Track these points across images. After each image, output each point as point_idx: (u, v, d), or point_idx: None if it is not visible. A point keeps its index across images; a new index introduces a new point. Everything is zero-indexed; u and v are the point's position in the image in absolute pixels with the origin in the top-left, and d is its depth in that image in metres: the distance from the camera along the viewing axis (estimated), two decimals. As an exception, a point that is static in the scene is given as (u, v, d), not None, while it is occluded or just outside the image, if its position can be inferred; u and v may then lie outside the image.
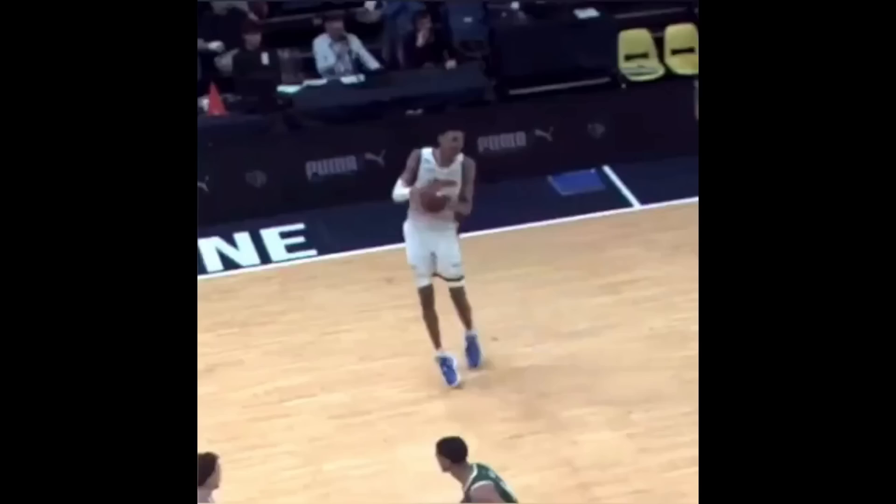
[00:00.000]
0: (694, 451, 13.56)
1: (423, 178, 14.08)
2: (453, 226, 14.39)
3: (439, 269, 14.38)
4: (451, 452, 11.92)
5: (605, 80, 20.95)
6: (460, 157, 14.18)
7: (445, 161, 14.06)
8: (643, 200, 19.23)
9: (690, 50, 21.86)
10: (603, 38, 20.98)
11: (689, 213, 18.49)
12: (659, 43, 21.85)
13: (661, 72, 21.67)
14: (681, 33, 21.92)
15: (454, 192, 14.07)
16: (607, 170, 20.03)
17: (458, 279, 14.51)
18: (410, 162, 14.21)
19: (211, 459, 11.05)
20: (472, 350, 15.12)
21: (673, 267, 16.53)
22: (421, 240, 14.36)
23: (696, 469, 13.40)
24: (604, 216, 18.17)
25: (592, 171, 19.90)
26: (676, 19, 22.13)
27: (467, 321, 14.93)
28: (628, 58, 21.69)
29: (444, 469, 11.81)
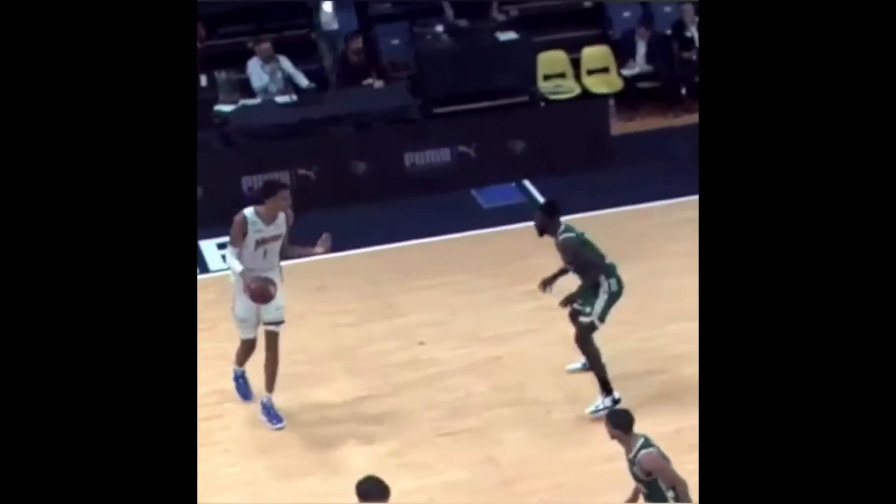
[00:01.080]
0: (610, 449, 13.73)
1: (252, 238, 13.79)
2: (280, 269, 14.24)
3: (262, 313, 14.11)
4: (621, 423, 11.96)
5: (525, 98, 21.08)
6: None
7: (271, 219, 13.82)
8: (561, 211, 19.19)
9: (605, 70, 22.19)
10: (522, 59, 21.13)
11: (604, 224, 18.66)
12: (575, 63, 22.19)
13: (577, 91, 21.95)
14: (596, 54, 22.27)
15: (278, 245, 13.96)
16: (527, 183, 20.18)
17: (279, 323, 14.20)
18: (236, 229, 13.80)
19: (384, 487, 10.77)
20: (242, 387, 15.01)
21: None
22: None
23: (611, 465, 13.59)
24: (524, 227, 18.15)
25: (513, 184, 20.05)
26: (592, 41, 22.55)
27: (271, 379, 14.40)
28: (546, 77, 21.99)
29: (612, 437, 11.92)
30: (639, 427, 13.91)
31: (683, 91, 21.83)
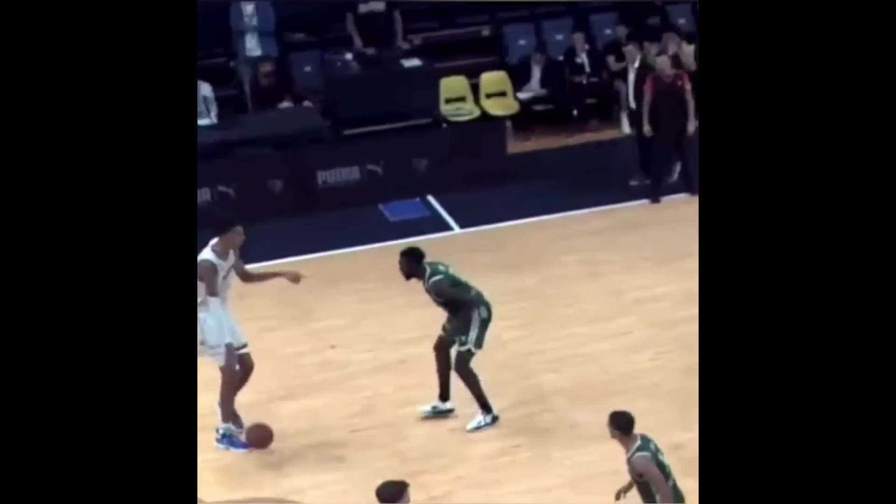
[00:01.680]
0: (507, 443, 13.83)
1: (220, 277, 13.62)
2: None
3: (239, 336, 13.95)
4: (622, 425, 11.82)
5: (428, 120, 21.21)
6: None
7: (225, 254, 13.60)
8: (462, 225, 19.54)
9: (502, 94, 22.34)
10: (425, 84, 21.25)
11: (502, 236, 18.82)
12: (475, 88, 22.33)
13: (476, 113, 22.09)
14: (493, 79, 22.44)
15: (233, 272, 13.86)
16: (430, 198, 20.31)
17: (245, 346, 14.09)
18: (211, 277, 13.39)
19: (402, 486, 10.71)
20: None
21: (489, 282, 16.72)
22: (225, 319, 13.77)
23: (510, 458, 13.67)
24: (428, 238, 18.33)
25: (417, 199, 20.18)
26: (490, 67, 22.73)
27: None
28: (448, 101, 22.10)
29: (613, 436, 11.82)
30: (535, 421, 14.12)
31: (574, 113, 21.99)
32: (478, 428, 14.06)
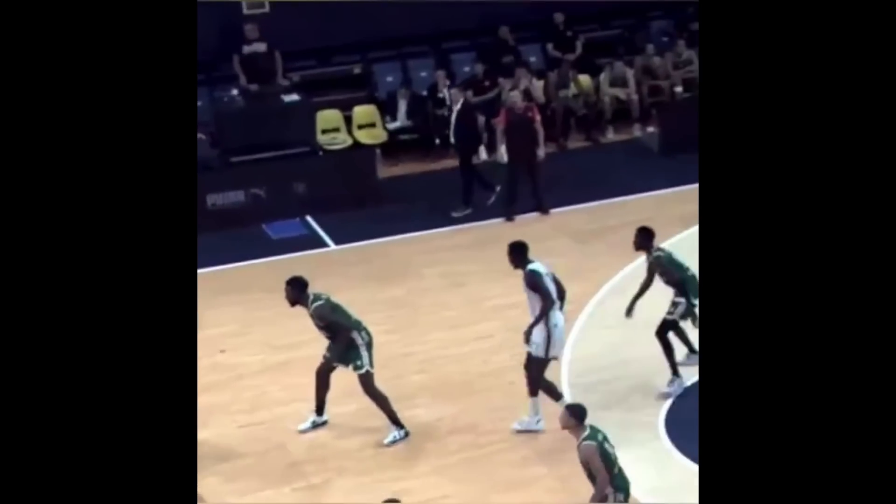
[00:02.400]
0: (381, 436, 14.07)
1: None
2: None
3: None
4: (576, 414, 11.80)
5: (306, 149, 21.37)
6: None
7: None
8: (337, 242, 19.76)
9: (372, 125, 22.58)
10: (303, 116, 21.51)
11: (373, 252, 19.04)
12: (348, 119, 22.51)
13: (349, 142, 22.34)
14: (364, 112, 22.71)
15: None
16: (309, 218, 20.49)
17: None
18: None
19: None
20: None
21: (362, 292, 17.01)
22: None
23: (384, 449, 13.89)
24: (308, 254, 18.59)
25: (297, 219, 20.39)
26: (361, 101, 22.94)
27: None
28: (324, 131, 22.34)
29: (566, 426, 11.78)
30: (404, 416, 14.35)
31: (437, 141, 22.15)
32: (394, 442, 14.10)
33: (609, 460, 11.77)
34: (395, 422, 14.17)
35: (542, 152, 19.69)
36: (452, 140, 20.39)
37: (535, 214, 19.96)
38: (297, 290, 14.16)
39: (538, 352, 13.89)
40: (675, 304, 14.61)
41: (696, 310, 14.30)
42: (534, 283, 14.03)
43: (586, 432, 11.73)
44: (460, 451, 14.10)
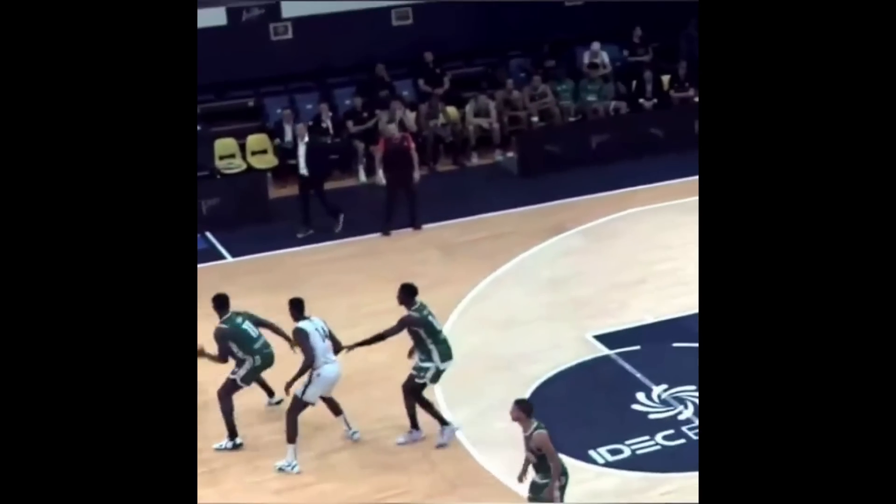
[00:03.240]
0: (272, 426, 14.23)
1: None
2: None
3: None
4: (526, 409, 11.75)
5: (206, 173, 21.31)
6: None
7: None
8: (234, 255, 19.80)
9: (264, 151, 22.57)
10: (203, 144, 21.34)
11: (266, 263, 19.15)
12: (242, 147, 22.56)
13: (244, 167, 22.40)
14: (257, 140, 22.74)
15: None
16: (208, 234, 20.43)
17: None
18: None
19: None
20: None
21: (256, 299, 17.11)
22: None
23: (274, 437, 14.06)
24: (208, 266, 18.61)
25: (199, 235, 20.21)
26: (254, 131, 22.90)
27: None
28: (221, 157, 22.39)
29: (516, 419, 11.65)
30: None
31: None
32: (220, 448, 14.12)
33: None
34: (232, 433, 14.19)
35: (417, 175, 19.92)
36: (304, 171, 20.12)
37: (409, 230, 20.08)
38: (216, 308, 14.28)
39: (300, 393, 13.87)
40: (422, 370, 14.12)
41: (443, 373, 14.13)
42: (298, 340, 14.06)
43: (535, 423, 11.73)
44: (343, 437, 14.31)
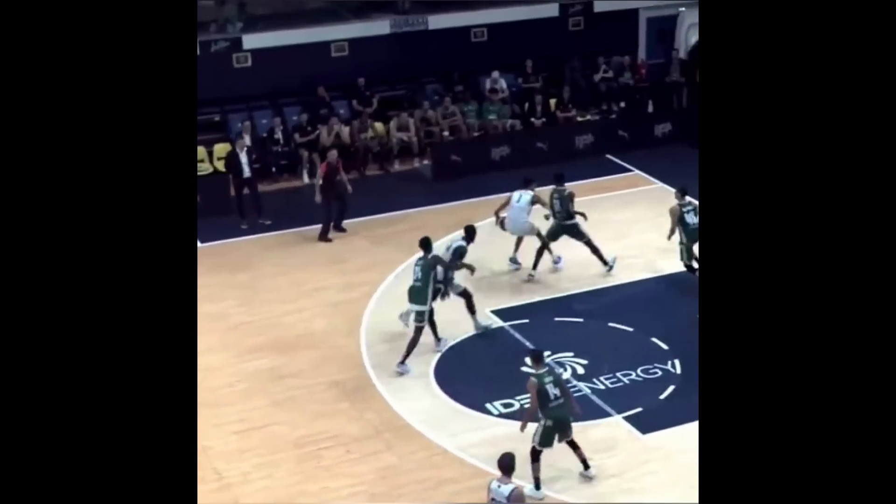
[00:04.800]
0: (228, 380, 14.31)
1: None
2: None
3: None
4: (535, 357, 12.05)
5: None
6: None
7: None
8: (202, 241, 19.07)
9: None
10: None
11: (227, 249, 18.98)
12: (210, 154, 22.16)
13: (211, 170, 22.00)
14: (222, 149, 22.13)
15: None
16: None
17: None
18: None
19: None
20: None
21: (219, 278, 17.13)
22: None
23: (231, 389, 14.13)
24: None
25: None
26: (219, 141, 22.42)
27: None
28: (192, 162, 21.97)
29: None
30: (246, 367, 14.62)
31: (273, 169, 21.87)
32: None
33: (545, 396, 11.70)
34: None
35: (349, 188, 19.56)
36: (248, 174, 19.82)
37: (341, 234, 19.74)
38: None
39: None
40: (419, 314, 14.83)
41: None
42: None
43: (538, 371, 11.86)
44: (288, 390, 14.39)
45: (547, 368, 12.05)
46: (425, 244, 15.17)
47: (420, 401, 14.17)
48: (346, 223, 19.70)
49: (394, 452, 13.12)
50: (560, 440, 12.00)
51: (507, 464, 10.28)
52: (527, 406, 12.63)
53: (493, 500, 10.23)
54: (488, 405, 13.95)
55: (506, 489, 10.16)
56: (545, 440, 11.89)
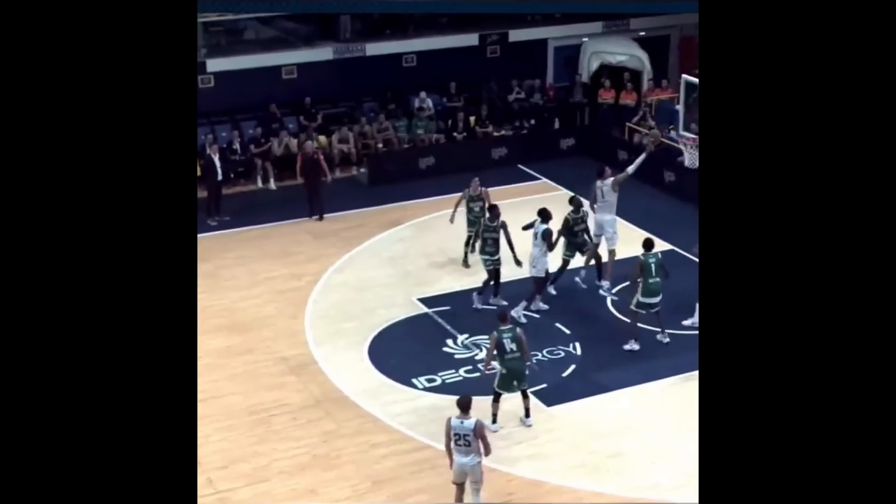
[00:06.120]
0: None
1: None
2: None
3: None
4: (500, 316, 12.26)
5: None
6: None
7: None
8: None
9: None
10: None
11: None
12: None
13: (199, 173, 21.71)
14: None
15: None
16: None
17: None
18: None
19: None
20: None
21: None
22: None
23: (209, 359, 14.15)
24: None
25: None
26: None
27: None
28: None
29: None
30: (210, 345, 14.46)
31: (231, 175, 21.45)
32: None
33: (502, 348, 12.09)
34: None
35: (328, 178, 19.56)
36: (220, 176, 19.83)
37: (289, 221, 19.72)
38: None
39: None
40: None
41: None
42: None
43: (502, 327, 12.10)
44: (242, 366, 14.38)
45: (510, 327, 12.34)
46: (544, 214, 15.32)
47: (356, 375, 14.29)
48: (292, 222, 19.58)
49: (333, 419, 13.21)
50: (517, 388, 12.40)
51: (465, 403, 10.48)
52: (449, 381, 12.91)
53: (456, 434, 10.40)
54: (414, 380, 14.07)
55: (469, 423, 10.38)
56: (502, 385, 12.38)
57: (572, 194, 16.89)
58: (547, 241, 15.11)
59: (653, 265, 14.25)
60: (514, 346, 12.24)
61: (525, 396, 12.64)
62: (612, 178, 16.34)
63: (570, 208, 16.16)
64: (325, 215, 19.95)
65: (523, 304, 15.37)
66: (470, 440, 10.37)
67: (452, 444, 10.47)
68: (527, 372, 12.45)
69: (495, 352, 12.28)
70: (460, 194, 17.47)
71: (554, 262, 16.04)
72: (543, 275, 15.31)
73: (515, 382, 12.39)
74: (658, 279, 14.22)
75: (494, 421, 12.50)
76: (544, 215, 15.34)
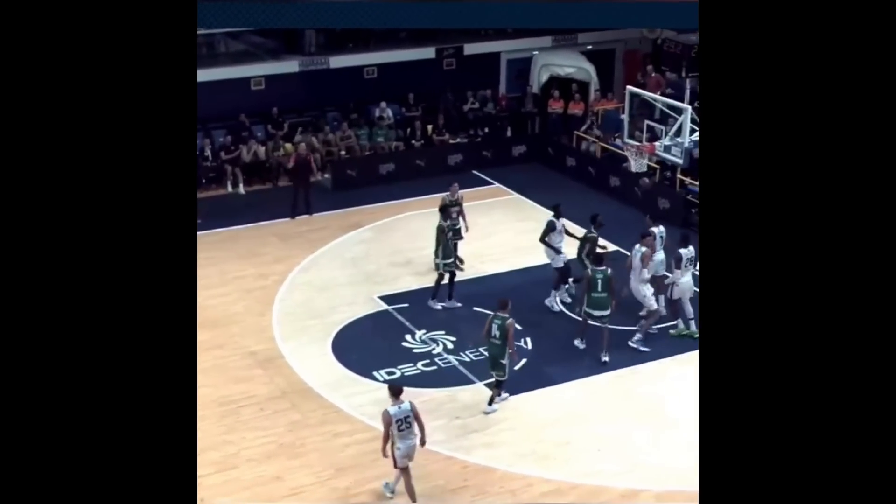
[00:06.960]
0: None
1: None
2: None
3: None
4: (502, 305, 12.29)
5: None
6: None
7: None
8: None
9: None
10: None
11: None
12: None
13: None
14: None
15: None
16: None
17: None
18: None
19: None
20: None
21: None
22: None
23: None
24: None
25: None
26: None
27: None
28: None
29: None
30: None
31: (203, 181, 21.39)
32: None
33: (488, 332, 12.34)
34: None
35: (318, 177, 19.53)
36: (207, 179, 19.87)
37: (257, 224, 19.62)
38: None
39: None
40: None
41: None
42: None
43: (498, 314, 12.25)
44: (213, 360, 14.23)
45: (504, 315, 12.45)
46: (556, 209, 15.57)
47: (320, 368, 14.24)
48: (259, 225, 19.45)
49: (298, 410, 13.14)
50: (492, 373, 12.61)
51: (397, 389, 10.67)
52: (408, 374, 13.08)
53: (398, 420, 10.45)
54: (374, 373, 14.03)
55: (405, 406, 10.54)
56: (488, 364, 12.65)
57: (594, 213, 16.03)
58: (567, 234, 15.65)
59: (599, 281, 14.00)
60: (497, 333, 12.41)
61: (497, 385, 12.70)
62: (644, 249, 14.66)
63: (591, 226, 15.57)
64: (289, 218, 19.87)
65: (554, 293, 15.70)
66: (411, 421, 10.55)
67: (395, 430, 10.49)
68: (504, 361, 12.52)
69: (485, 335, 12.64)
70: (441, 198, 17.44)
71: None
72: (562, 265, 15.53)
73: (490, 368, 12.58)
74: (605, 294, 13.97)
75: (490, 402, 12.80)
76: (555, 209, 15.75)
